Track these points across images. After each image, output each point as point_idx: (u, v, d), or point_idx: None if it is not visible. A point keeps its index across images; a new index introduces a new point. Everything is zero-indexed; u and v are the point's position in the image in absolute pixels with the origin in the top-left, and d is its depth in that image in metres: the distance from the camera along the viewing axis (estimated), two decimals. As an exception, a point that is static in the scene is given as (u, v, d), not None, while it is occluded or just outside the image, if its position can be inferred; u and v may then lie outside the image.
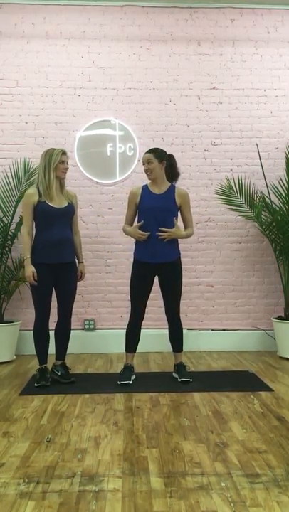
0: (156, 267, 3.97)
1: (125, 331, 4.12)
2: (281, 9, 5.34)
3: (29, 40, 5.22)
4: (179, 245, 4.11)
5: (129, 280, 4.06)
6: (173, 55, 5.32)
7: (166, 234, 3.90)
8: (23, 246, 3.93)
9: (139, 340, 4.12)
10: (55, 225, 3.85)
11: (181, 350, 4.15)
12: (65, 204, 3.93)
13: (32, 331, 3.98)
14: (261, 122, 5.36)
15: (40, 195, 3.85)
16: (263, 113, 5.36)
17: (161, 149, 4.07)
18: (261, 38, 5.37)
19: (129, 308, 5.10)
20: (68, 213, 3.95)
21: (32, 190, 3.91)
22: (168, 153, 4.08)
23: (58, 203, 3.88)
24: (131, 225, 4.08)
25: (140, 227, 3.95)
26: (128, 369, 4.07)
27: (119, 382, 3.95)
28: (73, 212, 4.02)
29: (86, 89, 5.26)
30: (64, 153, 3.93)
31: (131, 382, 3.97)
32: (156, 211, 3.92)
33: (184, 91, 5.32)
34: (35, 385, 3.88)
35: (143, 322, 4.11)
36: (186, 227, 4.09)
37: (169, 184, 4.07)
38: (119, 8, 5.27)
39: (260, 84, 5.36)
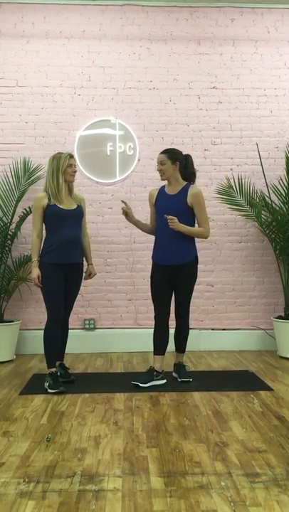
0: (171, 269, 3.93)
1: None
2: (281, 8, 5.34)
3: (29, 39, 5.22)
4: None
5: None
6: (173, 54, 5.32)
7: (171, 221, 3.79)
8: (31, 249, 3.95)
9: (167, 342, 4.02)
10: (65, 226, 3.86)
11: (184, 351, 4.14)
12: (74, 206, 3.94)
13: (43, 332, 3.88)
14: (261, 122, 5.36)
15: (49, 198, 3.87)
16: (263, 112, 5.36)
17: (176, 150, 4.04)
18: (261, 38, 5.37)
19: (129, 307, 5.12)
20: (78, 215, 3.96)
21: (41, 194, 3.93)
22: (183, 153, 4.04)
23: (67, 205, 3.90)
24: (152, 224, 4.13)
25: (156, 228, 4.00)
26: (149, 372, 3.96)
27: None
28: (82, 215, 4.03)
29: (86, 88, 5.26)
30: (71, 156, 3.93)
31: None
32: (170, 213, 3.84)
33: (183, 90, 5.32)
34: (50, 391, 3.73)
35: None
36: (199, 226, 3.98)
37: (184, 184, 4.00)
38: (119, 8, 5.27)
39: (260, 83, 5.36)
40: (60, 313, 3.89)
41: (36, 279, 3.82)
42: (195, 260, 4.01)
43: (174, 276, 3.96)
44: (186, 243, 3.93)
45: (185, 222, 3.86)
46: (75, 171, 3.96)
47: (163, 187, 4.07)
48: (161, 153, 4.00)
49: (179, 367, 4.10)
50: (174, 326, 4.11)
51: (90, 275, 4.17)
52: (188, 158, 4.07)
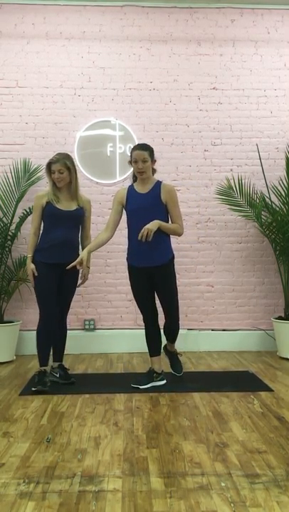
0: (147, 270, 3.83)
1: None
2: (281, 9, 5.35)
3: (29, 40, 5.23)
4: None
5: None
6: (173, 55, 5.32)
7: (142, 235, 3.61)
8: (28, 245, 4.06)
9: (160, 342, 4.01)
10: (61, 226, 3.88)
11: (174, 342, 4.11)
12: (73, 207, 3.95)
13: (35, 331, 3.91)
14: (261, 122, 5.36)
15: (49, 197, 3.91)
16: (263, 113, 5.36)
17: (150, 146, 3.87)
18: (261, 38, 5.37)
19: (129, 308, 5.11)
20: (75, 216, 3.96)
21: (41, 193, 4.00)
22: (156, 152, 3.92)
23: (65, 205, 3.92)
24: (111, 230, 3.92)
25: (129, 229, 3.87)
26: (148, 374, 3.97)
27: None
28: (82, 216, 4.02)
29: (86, 89, 5.27)
30: (50, 163, 3.86)
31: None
32: (143, 212, 3.74)
33: (184, 91, 5.32)
34: (32, 388, 3.78)
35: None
36: (173, 223, 3.86)
37: (155, 181, 3.85)
38: (119, 9, 5.27)
39: (260, 84, 5.36)
40: (52, 312, 3.89)
41: (31, 273, 3.87)
42: (172, 260, 3.89)
43: (151, 277, 3.86)
44: (161, 243, 3.78)
45: (160, 220, 3.72)
46: (58, 178, 3.85)
47: (131, 186, 3.92)
48: (143, 150, 3.75)
49: (173, 356, 4.16)
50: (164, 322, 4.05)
51: (83, 278, 4.00)
52: None
